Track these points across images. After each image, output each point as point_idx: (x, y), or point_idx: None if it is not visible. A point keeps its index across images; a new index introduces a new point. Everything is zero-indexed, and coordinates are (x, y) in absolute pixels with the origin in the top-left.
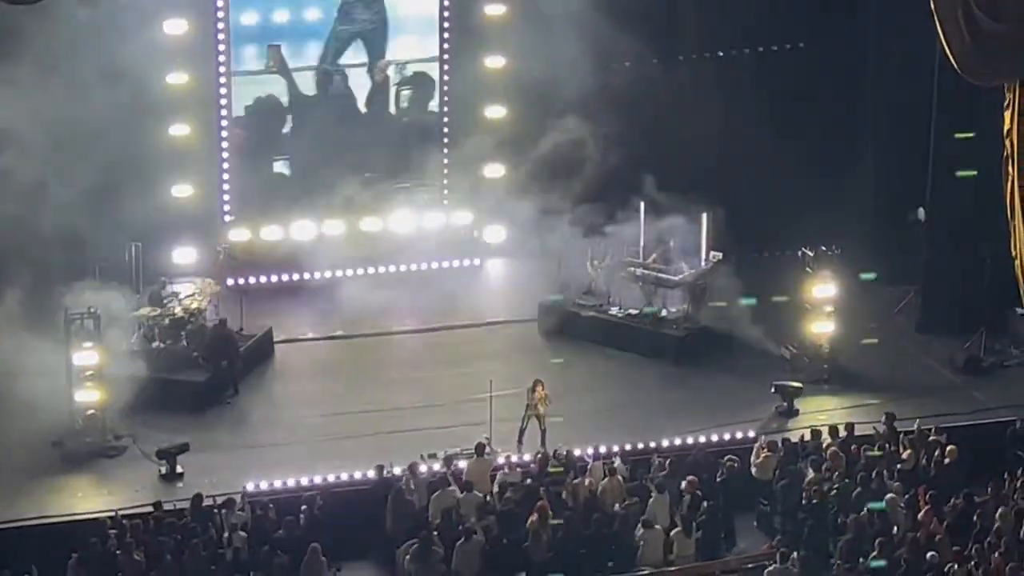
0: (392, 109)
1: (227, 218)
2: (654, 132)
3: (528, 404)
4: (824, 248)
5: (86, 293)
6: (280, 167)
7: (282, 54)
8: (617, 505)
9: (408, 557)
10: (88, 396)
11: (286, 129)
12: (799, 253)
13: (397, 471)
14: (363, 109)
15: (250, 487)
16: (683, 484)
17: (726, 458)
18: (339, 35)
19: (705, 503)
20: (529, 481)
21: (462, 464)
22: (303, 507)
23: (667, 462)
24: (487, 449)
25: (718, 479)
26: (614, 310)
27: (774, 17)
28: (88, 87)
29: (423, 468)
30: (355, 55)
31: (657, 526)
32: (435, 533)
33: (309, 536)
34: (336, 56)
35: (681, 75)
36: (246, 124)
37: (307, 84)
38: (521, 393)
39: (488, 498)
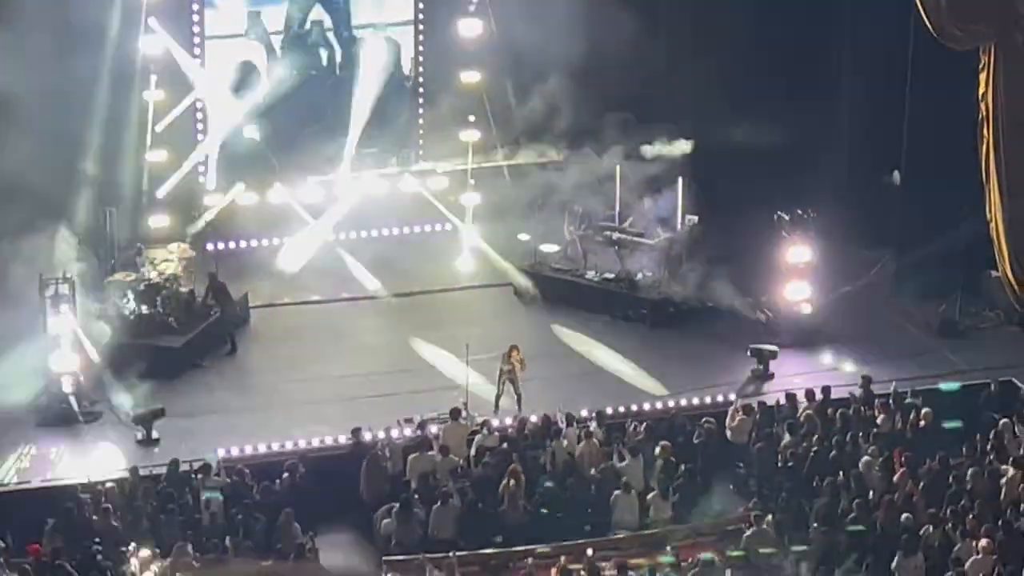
0: (365, 74)
1: (203, 183)
2: (630, 96)
3: (502, 369)
4: (799, 211)
5: (61, 258)
6: (252, 132)
7: (262, 20)
8: (593, 469)
9: (387, 520)
10: (63, 361)
11: (261, 94)
12: (774, 216)
13: (374, 435)
14: (337, 74)
15: (226, 452)
16: (658, 448)
17: (703, 420)
18: (299, 2)
19: (681, 466)
20: (506, 445)
21: (438, 428)
22: (284, 473)
23: (642, 426)
24: (463, 413)
25: (695, 441)
26: (590, 274)
27: None
28: (64, 51)
29: (398, 433)
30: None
31: (632, 490)
32: (412, 497)
33: (285, 501)
34: (301, 23)
35: (658, 40)
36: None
37: (283, 49)
38: (497, 357)
39: (465, 462)
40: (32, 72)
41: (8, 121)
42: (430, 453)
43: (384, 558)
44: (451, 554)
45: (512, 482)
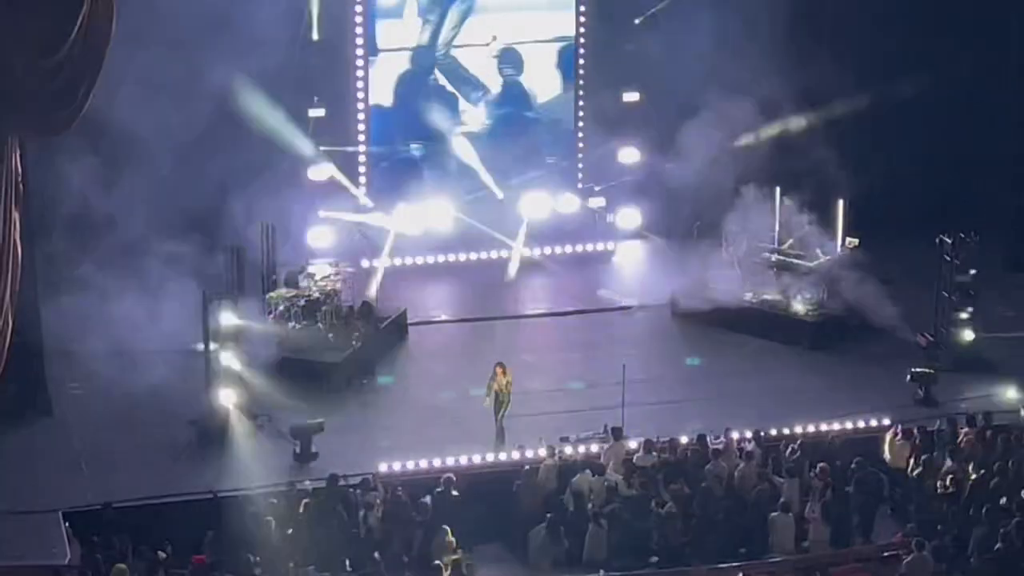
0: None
1: (363, 201)
2: (790, 117)
3: (498, 394)
4: (962, 235)
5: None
6: (416, 150)
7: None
8: (751, 491)
9: (540, 538)
10: (225, 376)
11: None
12: (937, 240)
13: (531, 454)
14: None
15: (384, 468)
16: (816, 471)
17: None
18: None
19: (839, 490)
20: (662, 463)
21: (595, 448)
22: (437, 489)
23: (798, 447)
24: (623, 433)
25: (853, 466)
26: (748, 295)
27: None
28: (226, 64)
29: (557, 451)
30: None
31: (790, 512)
32: (566, 516)
33: (441, 517)
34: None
35: (817, 61)
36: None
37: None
38: (651, 380)
39: (620, 482)
40: (198, 82)
41: (169, 137)
42: (587, 472)
43: None
44: (600, 573)
45: (669, 503)
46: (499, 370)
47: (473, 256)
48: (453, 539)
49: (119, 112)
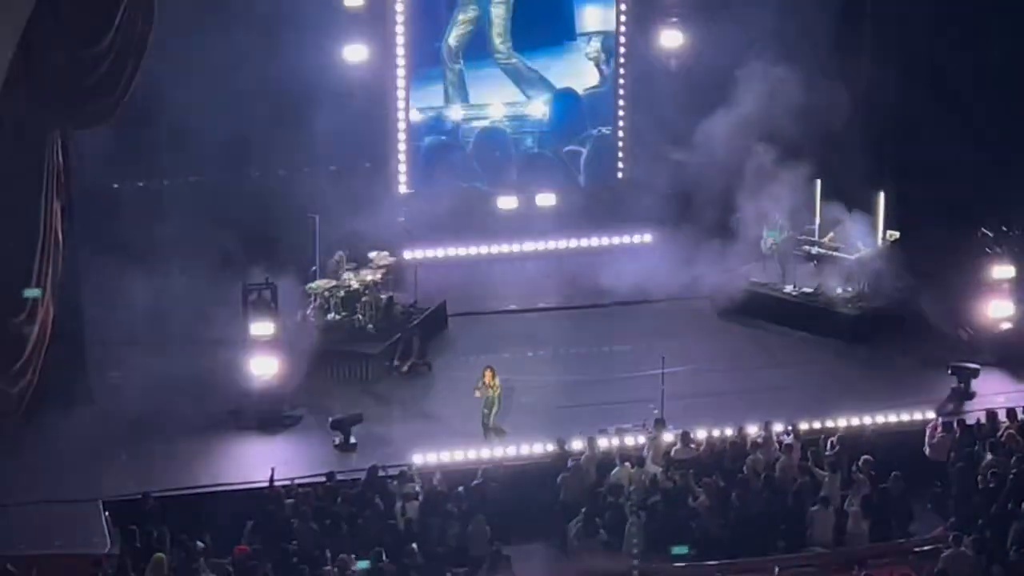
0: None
1: (403, 190)
2: (830, 109)
3: (487, 396)
4: (1004, 228)
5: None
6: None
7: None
8: (791, 483)
9: (575, 533)
10: (264, 367)
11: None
12: (979, 233)
13: (573, 446)
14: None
15: (423, 459)
16: (857, 464)
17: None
18: None
19: (878, 484)
20: (700, 456)
21: (637, 440)
22: (477, 481)
23: (837, 440)
24: (665, 425)
25: (892, 460)
26: (788, 288)
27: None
28: (275, 58)
29: (598, 443)
30: None
31: (830, 506)
32: (604, 508)
33: (478, 508)
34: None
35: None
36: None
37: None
38: (692, 371)
39: (659, 475)
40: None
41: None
42: (626, 464)
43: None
44: (634, 565)
45: (705, 495)
46: (488, 374)
47: (514, 248)
48: (488, 528)
49: (165, 101)
